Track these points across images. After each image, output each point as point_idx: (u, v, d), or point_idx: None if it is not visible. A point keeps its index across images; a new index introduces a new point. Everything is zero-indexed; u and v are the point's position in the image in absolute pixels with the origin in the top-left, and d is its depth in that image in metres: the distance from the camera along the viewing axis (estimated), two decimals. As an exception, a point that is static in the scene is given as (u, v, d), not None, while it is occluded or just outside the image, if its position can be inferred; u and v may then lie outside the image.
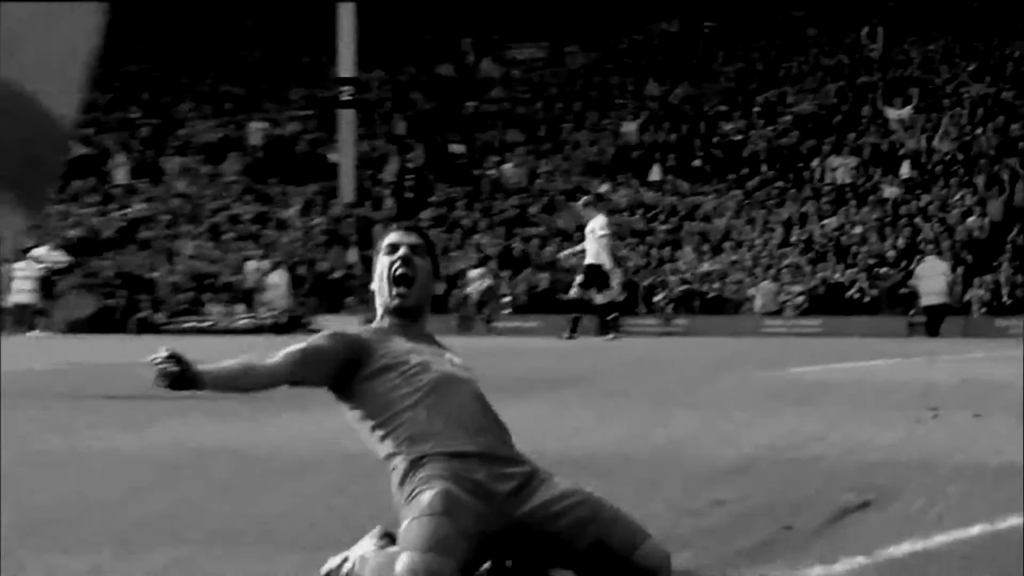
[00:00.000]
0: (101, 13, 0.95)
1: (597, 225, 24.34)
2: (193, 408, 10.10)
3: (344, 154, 39.39)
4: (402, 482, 4.08)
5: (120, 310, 35.48)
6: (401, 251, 4.35)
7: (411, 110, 42.54)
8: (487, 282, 33.49)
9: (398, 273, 4.34)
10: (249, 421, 8.93)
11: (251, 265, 35.65)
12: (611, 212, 34.51)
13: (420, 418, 4.14)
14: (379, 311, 4.44)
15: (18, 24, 0.95)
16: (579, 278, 24.94)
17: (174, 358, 3.89)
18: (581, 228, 26.00)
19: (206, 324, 34.35)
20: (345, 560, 4.10)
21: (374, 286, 4.43)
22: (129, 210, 39.25)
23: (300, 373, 4.15)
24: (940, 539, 4.91)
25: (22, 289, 32.43)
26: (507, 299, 34.11)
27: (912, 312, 30.58)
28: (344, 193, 38.98)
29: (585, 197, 27.27)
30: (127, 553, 4.69)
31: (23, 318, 32.56)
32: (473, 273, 33.64)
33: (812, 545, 4.78)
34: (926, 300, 29.99)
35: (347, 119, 39.41)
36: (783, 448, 7.75)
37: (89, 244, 37.62)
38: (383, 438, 4.18)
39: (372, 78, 42.64)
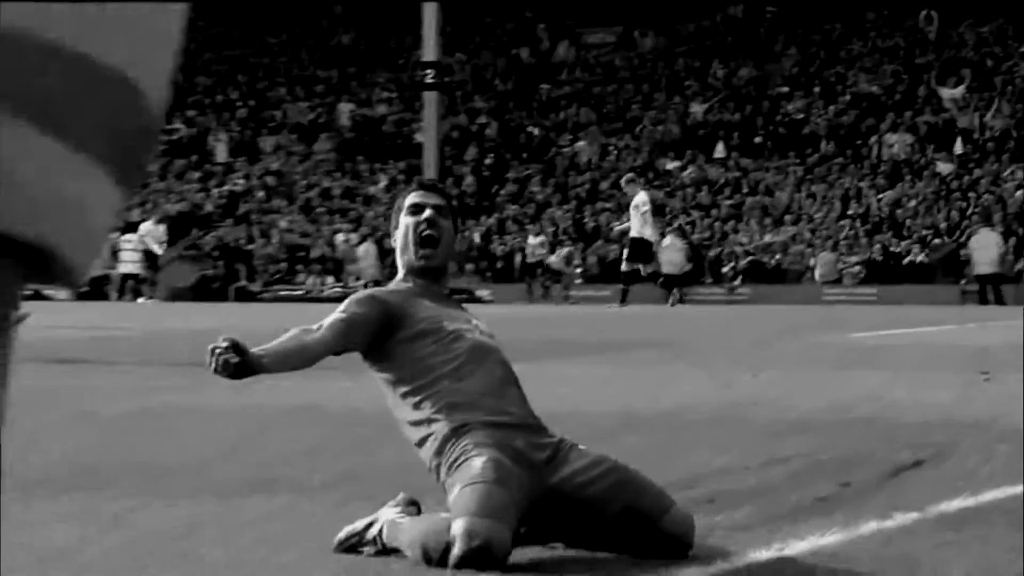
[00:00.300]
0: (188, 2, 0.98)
1: (640, 201, 24.52)
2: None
3: (427, 134, 39.46)
4: (441, 449, 3.91)
5: (219, 279, 35.81)
6: (426, 213, 4.15)
7: (490, 92, 42.51)
8: (567, 249, 33.32)
9: (424, 235, 4.15)
10: (333, 382, 8.98)
11: (341, 237, 35.86)
12: (679, 187, 34.37)
13: (459, 386, 3.98)
14: (401, 270, 4.26)
15: (118, 11, 0.97)
16: (625, 252, 25.19)
17: (234, 347, 3.70)
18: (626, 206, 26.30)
19: (299, 292, 34.61)
20: (370, 525, 3.91)
21: (395, 244, 4.24)
22: (228, 186, 39.54)
23: (343, 342, 4.00)
24: (991, 495, 4.85)
25: (129, 260, 32.99)
26: (579, 270, 34.09)
27: (965, 281, 30.31)
28: (427, 170, 39.05)
29: (628, 175, 27.45)
30: (225, 502, 4.73)
31: (129, 287, 33.12)
32: (532, 240, 33.42)
33: (869, 501, 4.73)
34: (979, 269, 29.73)
35: (430, 101, 39.47)
36: (842, 408, 7.70)
37: (191, 218, 37.97)
38: (418, 403, 4.00)
39: (454, 62, 42.65)
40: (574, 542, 3.93)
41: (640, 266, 25.08)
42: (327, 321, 4.04)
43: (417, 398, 4.03)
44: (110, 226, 0.99)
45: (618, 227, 29.00)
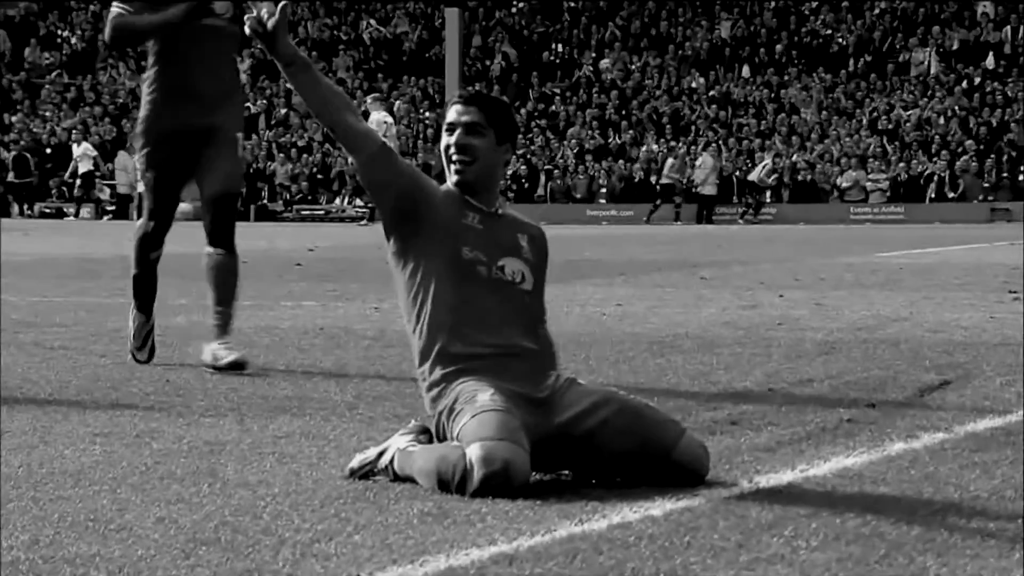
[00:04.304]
0: None
1: (378, 121, 25.25)
2: (310, 293, 10.22)
3: (449, 51, 39.26)
4: (437, 397, 3.90)
5: (240, 199, 35.88)
6: (456, 134, 4.11)
7: (513, 8, 42.21)
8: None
9: (453, 157, 4.12)
10: (358, 304, 9.00)
11: (363, 156, 35.91)
12: (705, 105, 34.08)
13: (453, 319, 3.92)
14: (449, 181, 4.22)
15: None
16: None
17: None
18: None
19: (320, 212, 34.66)
20: (382, 453, 3.89)
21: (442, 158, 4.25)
22: (249, 106, 39.45)
23: (381, 157, 4.03)
24: (1017, 416, 4.85)
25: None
26: (603, 190, 34.07)
27: (993, 198, 30.20)
28: (449, 89, 38.89)
29: (373, 94, 28.25)
30: (249, 422, 4.77)
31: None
32: (671, 162, 33.42)
33: (895, 422, 4.74)
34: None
35: (452, 18, 39.23)
36: (867, 329, 7.69)
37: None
38: (418, 325, 3.97)
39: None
40: (584, 475, 3.89)
41: None
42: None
43: (416, 320, 3.99)
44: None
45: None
